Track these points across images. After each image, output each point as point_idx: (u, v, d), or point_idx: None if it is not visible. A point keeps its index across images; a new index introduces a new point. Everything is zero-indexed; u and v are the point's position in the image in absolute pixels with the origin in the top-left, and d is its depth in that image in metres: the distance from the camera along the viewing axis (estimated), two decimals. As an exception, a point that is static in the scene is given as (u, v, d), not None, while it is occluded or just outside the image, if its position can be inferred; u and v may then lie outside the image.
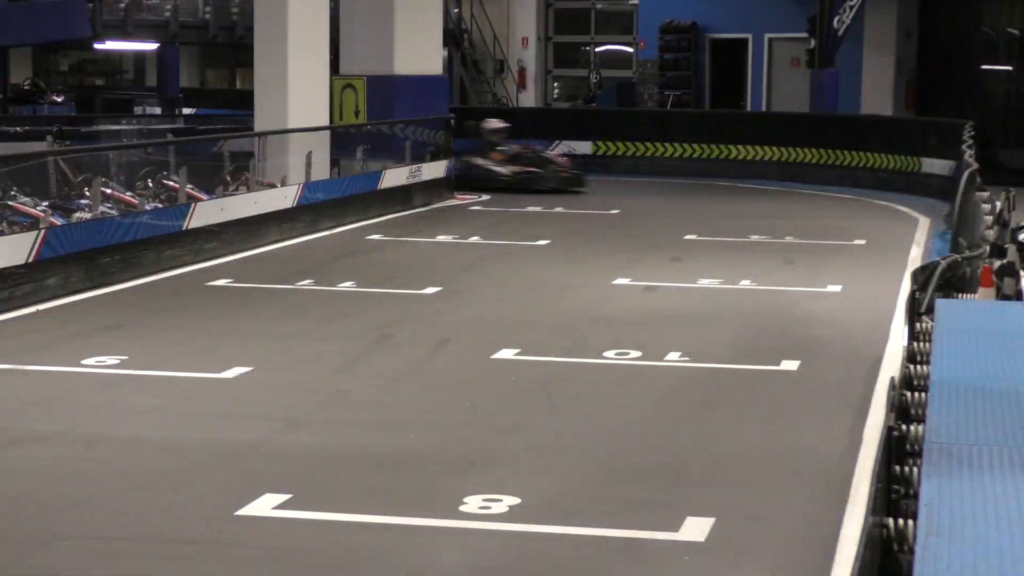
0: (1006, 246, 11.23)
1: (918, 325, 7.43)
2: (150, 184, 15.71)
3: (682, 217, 18.46)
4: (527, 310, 11.97)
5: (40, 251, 12.04)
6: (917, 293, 7.93)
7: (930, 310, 7.71)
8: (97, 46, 31.79)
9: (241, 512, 6.53)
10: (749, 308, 12.21)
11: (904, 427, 5.29)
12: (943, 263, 9.30)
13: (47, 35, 28.75)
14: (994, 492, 4.38)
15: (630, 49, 32.35)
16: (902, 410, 5.66)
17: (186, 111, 30.57)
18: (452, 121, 21.77)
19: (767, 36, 28.77)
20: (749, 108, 28.96)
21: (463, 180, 21.83)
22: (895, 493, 4.97)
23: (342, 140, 20.00)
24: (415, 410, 8.56)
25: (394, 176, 19.53)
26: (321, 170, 18.19)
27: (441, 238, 16.67)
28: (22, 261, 11.85)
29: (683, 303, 12.32)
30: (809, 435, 8.08)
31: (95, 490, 6.91)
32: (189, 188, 15.14)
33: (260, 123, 18.45)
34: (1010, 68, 28.80)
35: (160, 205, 14.93)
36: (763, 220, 18.39)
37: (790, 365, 9.84)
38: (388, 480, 7.01)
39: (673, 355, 9.95)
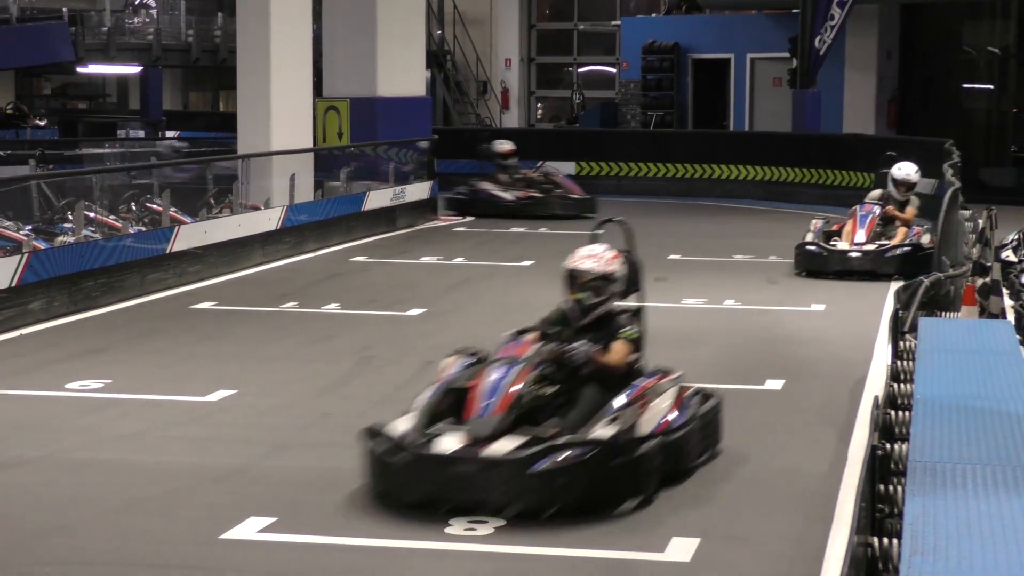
0: (989, 264, 11.27)
1: (902, 344, 7.45)
2: (133, 207, 15.69)
3: (666, 237, 18.48)
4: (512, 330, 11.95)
5: (23, 275, 12.01)
6: (900, 312, 7.96)
7: (913, 329, 7.73)
8: (80, 70, 31.75)
9: (226, 536, 6.51)
10: (733, 327, 12.22)
11: (888, 446, 5.30)
12: (926, 282, 9.34)
13: (30, 59, 28.75)
14: (978, 511, 4.39)
15: (613, 70, 32.41)
16: (886, 429, 5.67)
17: (169, 134, 30.54)
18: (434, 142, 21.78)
19: (749, 56, 28.84)
20: (731, 128, 29.02)
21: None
22: (879, 512, 4.97)
23: (326, 162, 19.99)
24: (400, 432, 8.53)
25: (378, 198, 19.53)
26: (305, 192, 18.19)
27: (425, 259, 16.67)
28: (5, 285, 11.82)
29: (667, 323, 12.32)
30: (793, 454, 8.09)
31: (79, 515, 6.88)
32: (173, 211, 15.12)
33: (243, 146, 18.44)
34: (991, 87, 28.91)
35: (144, 228, 14.90)
36: (747, 240, 18.42)
37: (774, 384, 9.85)
38: (373, 503, 6.99)
39: (657, 375, 9.93)
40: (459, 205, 21.64)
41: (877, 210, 15.19)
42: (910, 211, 15.33)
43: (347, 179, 19.45)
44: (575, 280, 7.50)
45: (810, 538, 6.54)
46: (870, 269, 14.66)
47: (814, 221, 15.78)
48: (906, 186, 15.43)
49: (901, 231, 15.01)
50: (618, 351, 7.41)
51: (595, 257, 7.53)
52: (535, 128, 32.74)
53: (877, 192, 15.93)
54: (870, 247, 14.86)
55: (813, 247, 15.04)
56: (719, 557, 6.31)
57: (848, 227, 15.18)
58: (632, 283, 7.72)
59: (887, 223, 15.15)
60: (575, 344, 7.30)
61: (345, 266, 16.26)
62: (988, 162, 27.75)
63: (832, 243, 15.13)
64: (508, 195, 21.29)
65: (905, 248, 14.72)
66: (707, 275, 15.17)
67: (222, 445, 8.22)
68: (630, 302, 7.78)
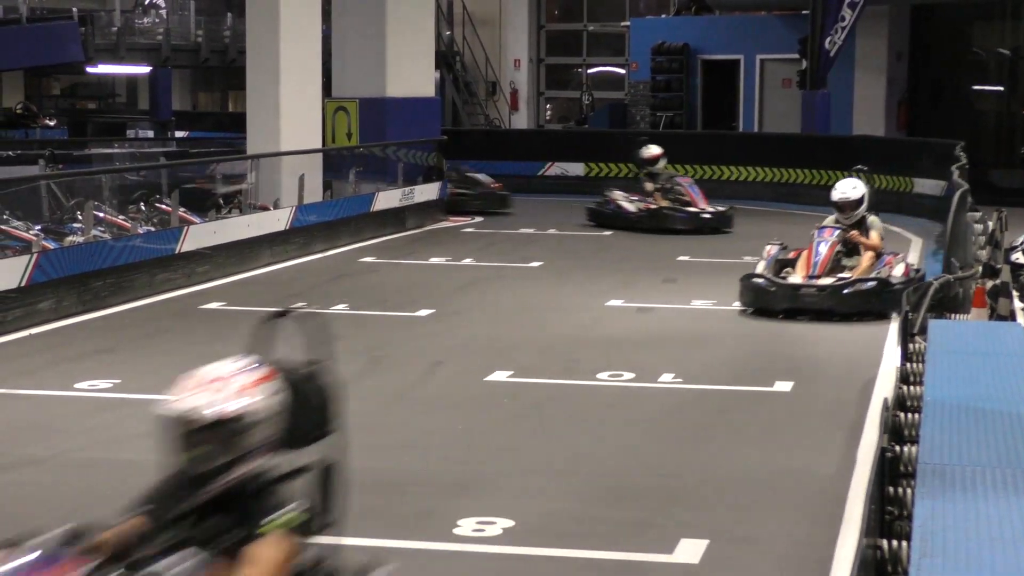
0: (999, 266, 11.25)
1: (911, 346, 7.43)
2: (143, 207, 15.70)
3: (674, 238, 18.46)
4: (520, 332, 11.96)
5: (32, 275, 12.02)
6: (910, 314, 7.94)
7: (923, 331, 7.72)
8: (89, 70, 31.78)
9: (234, 536, 6.49)
10: (742, 329, 12.21)
11: (897, 448, 5.29)
12: (935, 284, 9.32)
13: (39, 59, 28.78)
14: (987, 513, 4.38)
15: (622, 71, 32.40)
16: (895, 431, 5.66)
17: (179, 134, 30.57)
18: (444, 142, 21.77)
19: (759, 57, 28.81)
20: (741, 129, 28.99)
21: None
22: (889, 514, 4.96)
23: (335, 162, 20.00)
24: (408, 433, 8.55)
25: (387, 198, 19.54)
26: (314, 193, 18.20)
27: (434, 260, 16.67)
28: (14, 285, 11.83)
29: (676, 324, 12.33)
30: (803, 456, 8.08)
31: (88, 515, 6.88)
32: (182, 211, 15.14)
33: (253, 146, 18.45)
34: (1001, 88, 28.86)
35: (153, 228, 14.92)
36: (755, 241, 18.36)
37: (784, 386, 9.84)
38: (382, 503, 7.00)
39: (666, 377, 9.94)
40: (593, 216, 20.33)
41: (837, 235, 12.86)
42: (874, 236, 12.98)
43: (356, 180, 19.45)
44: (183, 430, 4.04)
45: (819, 540, 6.53)
46: (827, 307, 12.42)
47: (768, 246, 13.23)
48: (850, 207, 12.98)
49: (866, 260, 12.79)
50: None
51: (219, 383, 4.09)
52: (544, 129, 32.74)
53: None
54: (827, 281, 12.54)
55: (760, 280, 12.69)
56: (728, 559, 6.31)
57: (803, 256, 12.89)
58: (301, 421, 4.37)
59: (851, 251, 12.92)
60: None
61: (354, 267, 16.27)
62: (998, 164, 27.70)
63: (784, 275, 12.78)
64: (632, 207, 19.79)
65: (869, 284, 12.49)
66: (716, 276, 15.15)
67: (231, 445, 8.20)
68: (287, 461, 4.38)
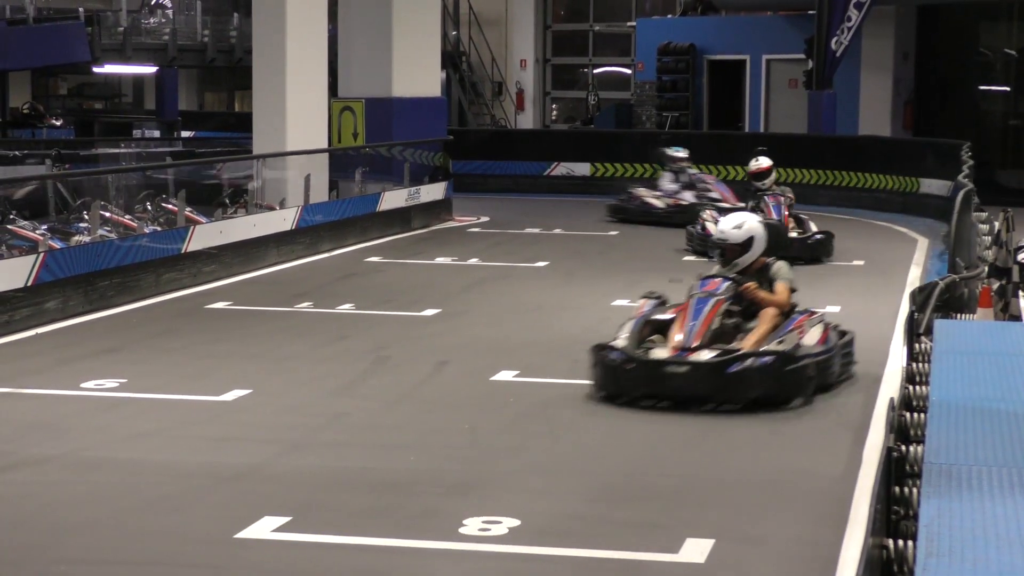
0: (1008, 267, 11.23)
1: (917, 345, 7.43)
2: (149, 207, 15.72)
3: (681, 238, 18.45)
4: (526, 331, 11.97)
5: (39, 275, 12.04)
6: (916, 313, 7.94)
7: (929, 330, 7.71)
8: (96, 70, 31.83)
9: (240, 535, 6.52)
10: (748, 329, 12.19)
11: (903, 448, 5.29)
12: (941, 283, 9.31)
13: (46, 59, 28.82)
14: (994, 513, 4.38)
15: (628, 71, 32.39)
16: (901, 431, 5.66)
17: (185, 134, 30.60)
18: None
19: (765, 57, 28.79)
20: (747, 129, 28.98)
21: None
22: (895, 514, 4.96)
23: (341, 162, 20.01)
24: (414, 432, 8.55)
25: (393, 198, 19.54)
26: (320, 192, 18.21)
27: (440, 260, 16.67)
28: (21, 285, 11.85)
29: (682, 324, 12.30)
30: (808, 456, 8.07)
31: (94, 514, 6.90)
32: (188, 211, 15.15)
33: (259, 146, 18.47)
34: (1008, 89, 28.84)
35: (159, 228, 14.94)
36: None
37: (789, 386, 9.81)
38: (387, 502, 7.00)
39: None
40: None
41: (725, 288, 9.50)
42: (779, 289, 9.62)
43: (362, 180, 19.46)
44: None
45: (825, 540, 6.53)
46: (699, 393, 8.90)
47: (641, 300, 9.83)
48: (732, 252, 9.74)
49: (766, 323, 9.33)
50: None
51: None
52: (550, 129, 32.73)
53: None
54: (704, 355, 9.07)
55: (615, 355, 9.11)
56: (733, 558, 6.31)
57: (678, 319, 9.41)
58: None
59: (748, 310, 9.55)
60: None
61: (360, 266, 16.27)
62: (1005, 164, 27.68)
63: (648, 344, 9.36)
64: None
65: (763, 360, 8.87)
66: (722, 276, 15.13)
67: (237, 445, 8.23)
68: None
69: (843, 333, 9.92)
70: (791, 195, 17.32)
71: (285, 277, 15.38)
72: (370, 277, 15.48)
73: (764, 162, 17.53)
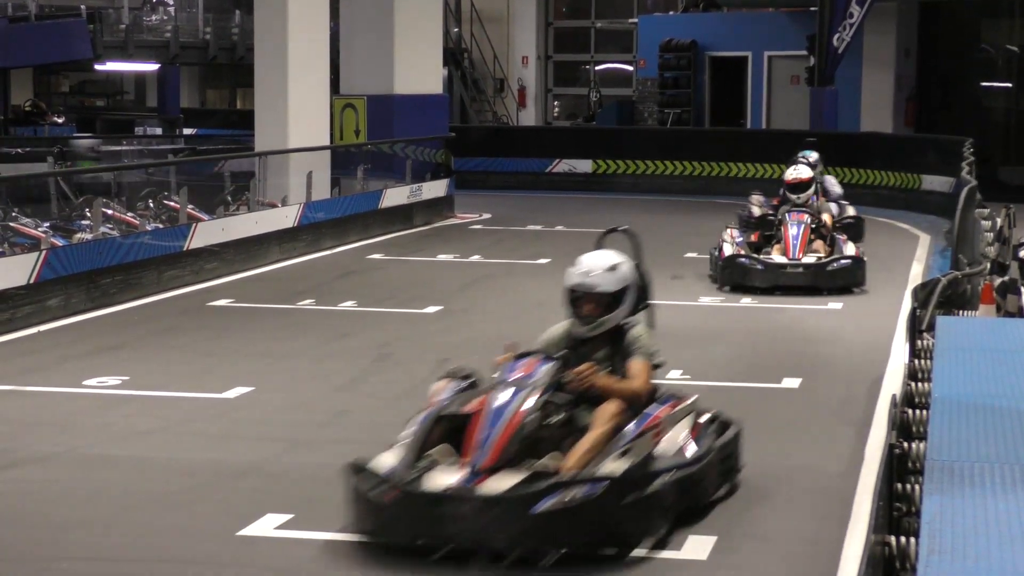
0: (1007, 263, 11.23)
1: (919, 342, 7.43)
2: (151, 204, 15.73)
3: (682, 235, 18.45)
4: (528, 328, 11.94)
5: (41, 272, 12.04)
6: (918, 310, 7.94)
7: (931, 327, 7.71)
8: (98, 67, 31.85)
9: (243, 532, 6.52)
10: (750, 326, 12.21)
11: (906, 445, 5.29)
12: (944, 280, 9.30)
13: (48, 56, 28.84)
14: (996, 510, 4.38)
15: (630, 68, 32.38)
16: (903, 428, 5.66)
17: (187, 131, 30.60)
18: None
19: (766, 54, 28.79)
20: (749, 126, 28.98)
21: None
22: (897, 511, 4.96)
23: (342, 160, 20.02)
24: (416, 429, 8.53)
25: (395, 195, 19.54)
26: (322, 190, 18.21)
27: (442, 257, 16.67)
28: (23, 282, 11.85)
29: (684, 321, 12.31)
30: (811, 453, 8.08)
31: (97, 511, 6.90)
32: (190, 208, 15.15)
33: (261, 143, 18.47)
34: (1010, 85, 28.83)
35: (161, 225, 14.94)
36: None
37: (791, 383, 9.84)
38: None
39: (674, 373, 9.92)
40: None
41: (540, 374, 7.01)
42: (636, 368, 6.96)
43: (364, 177, 19.46)
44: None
45: (827, 537, 6.53)
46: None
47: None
48: (610, 298, 7.08)
49: (600, 424, 6.67)
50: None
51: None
52: (552, 126, 32.73)
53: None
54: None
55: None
56: (736, 555, 6.31)
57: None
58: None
59: (582, 397, 8.36)
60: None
61: (362, 264, 16.27)
62: (1007, 161, 27.67)
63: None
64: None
65: (588, 490, 6.36)
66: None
67: (239, 442, 8.23)
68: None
69: (724, 425, 7.28)
70: (832, 212, 15.02)
71: (287, 274, 15.39)
72: (372, 274, 15.48)
73: (804, 172, 14.79)
